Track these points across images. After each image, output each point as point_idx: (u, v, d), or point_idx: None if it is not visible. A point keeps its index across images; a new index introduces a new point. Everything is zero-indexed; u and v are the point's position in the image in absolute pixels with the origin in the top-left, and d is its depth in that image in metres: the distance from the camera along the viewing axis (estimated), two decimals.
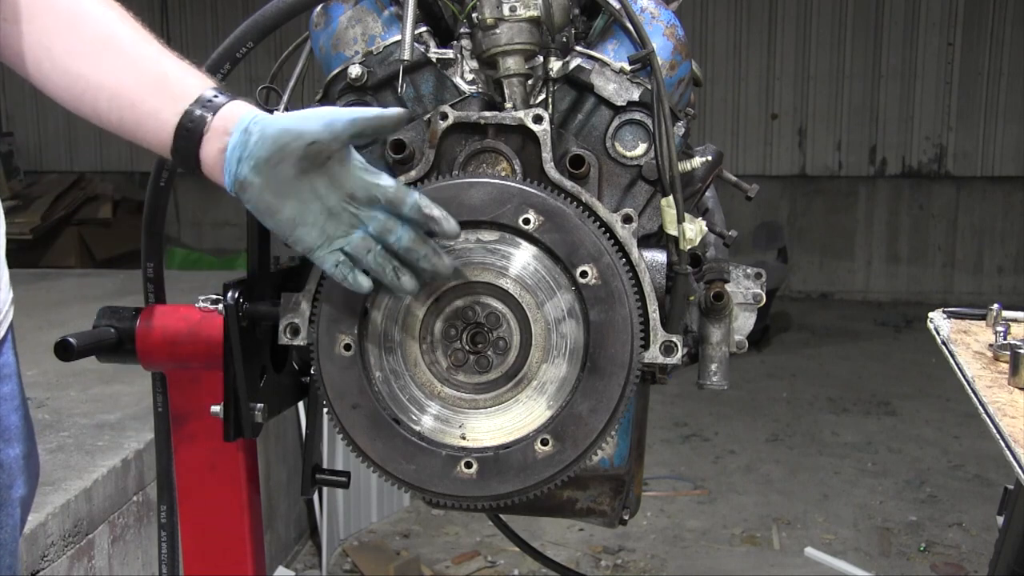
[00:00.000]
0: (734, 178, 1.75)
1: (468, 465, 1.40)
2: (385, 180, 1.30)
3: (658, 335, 1.41)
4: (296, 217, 1.27)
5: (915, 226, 10.14)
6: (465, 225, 1.39)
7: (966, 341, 1.96)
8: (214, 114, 1.28)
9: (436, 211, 1.31)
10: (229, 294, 1.45)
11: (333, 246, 1.29)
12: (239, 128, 1.26)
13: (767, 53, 10.03)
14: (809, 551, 4.62)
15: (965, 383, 1.73)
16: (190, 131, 1.28)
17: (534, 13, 1.45)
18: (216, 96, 1.30)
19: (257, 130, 1.25)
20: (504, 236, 1.39)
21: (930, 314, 2.12)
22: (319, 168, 1.26)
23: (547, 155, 1.43)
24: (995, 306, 2.04)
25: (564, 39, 1.55)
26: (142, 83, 1.32)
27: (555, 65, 1.51)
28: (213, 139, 1.28)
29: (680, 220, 1.42)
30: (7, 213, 1.51)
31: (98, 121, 1.36)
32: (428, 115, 1.46)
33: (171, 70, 1.32)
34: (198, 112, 1.28)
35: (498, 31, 1.46)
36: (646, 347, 1.41)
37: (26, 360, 1.54)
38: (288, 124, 1.25)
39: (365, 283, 1.31)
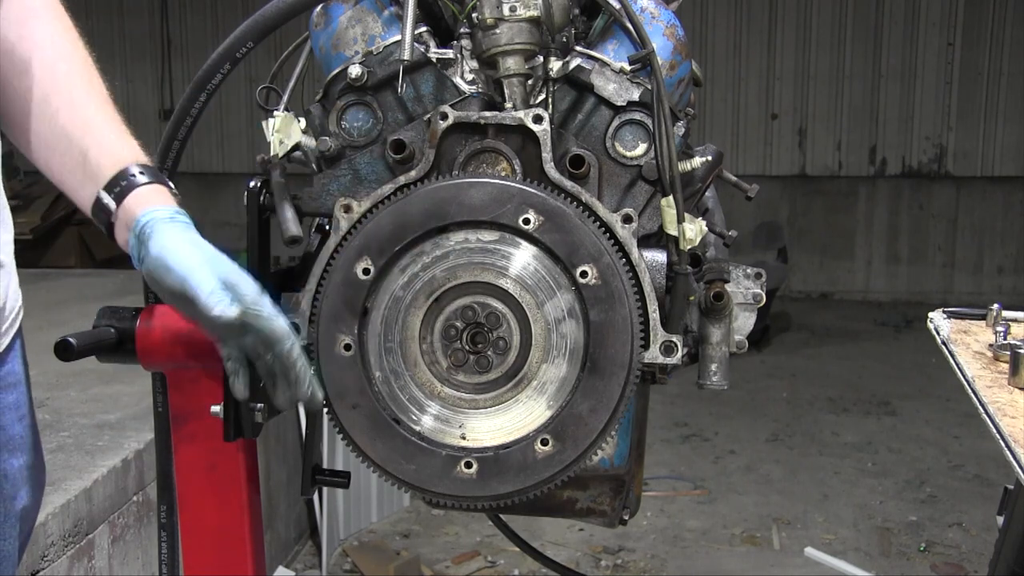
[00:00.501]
0: (734, 178, 1.74)
1: (468, 465, 1.40)
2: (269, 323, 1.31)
3: (658, 335, 1.41)
4: None
5: (915, 226, 10.13)
6: (465, 225, 1.39)
7: (966, 341, 1.95)
8: (119, 204, 1.33)
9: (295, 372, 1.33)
10: None
11: None
12: (133, 232, 1.31)
13: (767, 53, 10.03)
14: (809, 551, 4.61)
15: (965, 383, 1.73)
16: (104, 213, 1.34)
17: (534, 13, 1.45)
18: (123, 181, 1.33)
19: (145, 239, 1.29)
20: (504, 236, 1.39)
21: (930, 314, 2.12)
22: None
23: (547, 155, 1.43)
24: (995, 306, 2.04)
25: (564, 39, 1.55)
26: (65, 163, 1.38)
27: (555, 65, 1.50)
28: (120, 228, 1.34)
29: (680, 220, 1.42)
30: None
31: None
32: (428, 115, 1.46)
33: (91, 147, 1.36)
34: (106, 199, 1.34)
35: (498, 31, 1.45)
36: (646, 347, 1.41)
37: None
38: (160, 253, 1.27)
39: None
